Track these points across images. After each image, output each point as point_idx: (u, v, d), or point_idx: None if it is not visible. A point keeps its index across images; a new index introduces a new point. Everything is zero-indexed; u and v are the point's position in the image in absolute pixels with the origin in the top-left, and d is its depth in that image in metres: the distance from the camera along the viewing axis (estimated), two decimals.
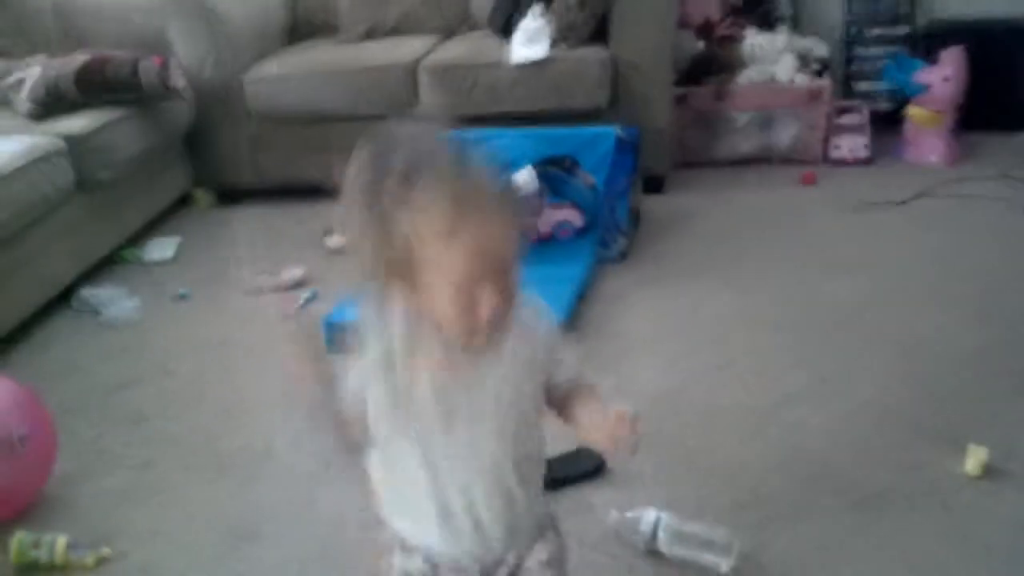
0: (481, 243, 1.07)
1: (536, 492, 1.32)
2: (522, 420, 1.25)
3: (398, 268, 1.11)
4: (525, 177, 3.13)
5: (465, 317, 1.12)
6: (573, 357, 1.31)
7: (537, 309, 1.26)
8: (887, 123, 4.23)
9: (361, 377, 1.20)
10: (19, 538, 1.99)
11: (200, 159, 4.08)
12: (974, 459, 2.08)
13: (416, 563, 1.30)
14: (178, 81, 3.62)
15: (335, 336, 2.93)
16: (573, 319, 2.85)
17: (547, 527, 1.37)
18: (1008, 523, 1.95)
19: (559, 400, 1.31)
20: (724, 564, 1.84)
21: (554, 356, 1.28)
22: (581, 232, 3.28)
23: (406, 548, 1.31)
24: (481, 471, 1.23)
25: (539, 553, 1.33)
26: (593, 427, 1.25)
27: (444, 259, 1.08)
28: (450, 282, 1.09)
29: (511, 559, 1.31)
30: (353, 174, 1.11)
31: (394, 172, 1.07)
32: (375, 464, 1.29)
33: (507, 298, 1.12)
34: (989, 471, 2.08)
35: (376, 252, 1.11)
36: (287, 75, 3.93)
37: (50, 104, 3.35)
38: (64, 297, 3.21)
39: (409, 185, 1.06)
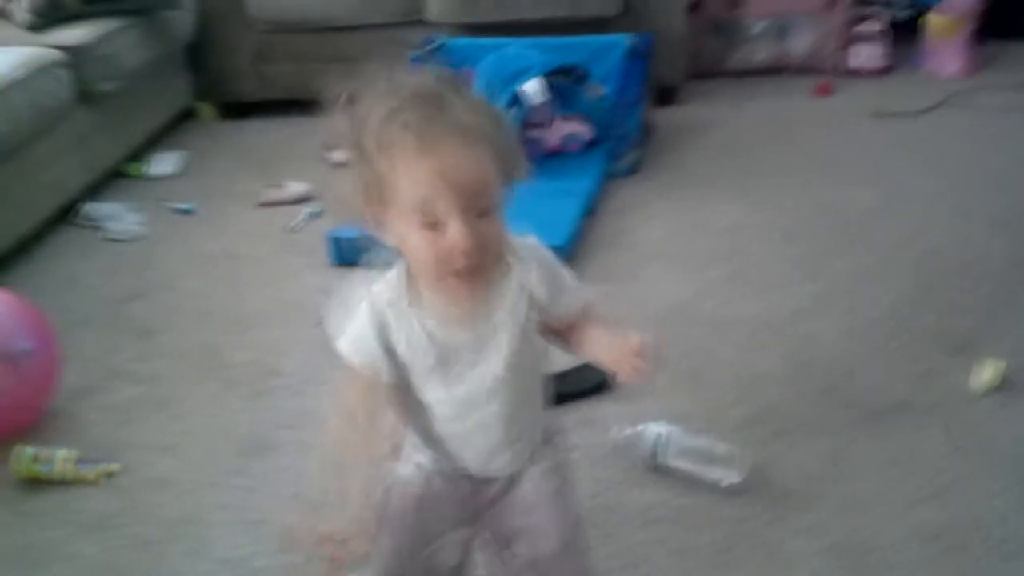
0: (447, 171, 1.06)
1: (538, 412, 1.32)
2: (527, 347, 1.24)
3: (380, 210, 1.12)
4: (534, 88, 3.06)
5: (435, 253, 1.09)
6: (579, 287, 1.28)
7: (532, 245, 1.24)
8: (905, 32, 4.10)
9: (369, 321, 1.21)
10: (25, 452, 1.99)
11: (203, 71, 4.00)
12: (989, 371, 2.06)
13: (414, 467, 1.31)
14: None
15: (341, 251, 2.92)
16: (583, 233, 2.81)
17: (553, 436, 1.35)
18: (1018, 438, 1.93)
19: (567, 331, 1.27)
20: (730, 477, 1.83)
21: (555, 289, 1.24)
22: (591, 145, 3.22)
23: (406, 453, 1.32)
24: (488, 400, 1.23)
25: (542, 461, 1.32)
26: (608, 352, 1.23)
27: (411, 188, 1.07)
28: (416, 212, 1.08)
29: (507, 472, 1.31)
30: (341, 118, 1.12)
31: (377, 110, 1.09)
32: None
33: (481, 234, 1.09)
34: (1004, 383, 2.05)
35: (362, 194, 1.12)
36: None
37: (49, 14, 3.27)
38: (67, 212, 3.18)
39: (389, 119, 1.07)
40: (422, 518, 1.31)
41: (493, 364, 1.21)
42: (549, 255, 1.25)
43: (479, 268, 1.11)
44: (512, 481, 1.31)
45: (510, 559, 1.35)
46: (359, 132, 1.10)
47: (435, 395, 1.22)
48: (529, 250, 1.23)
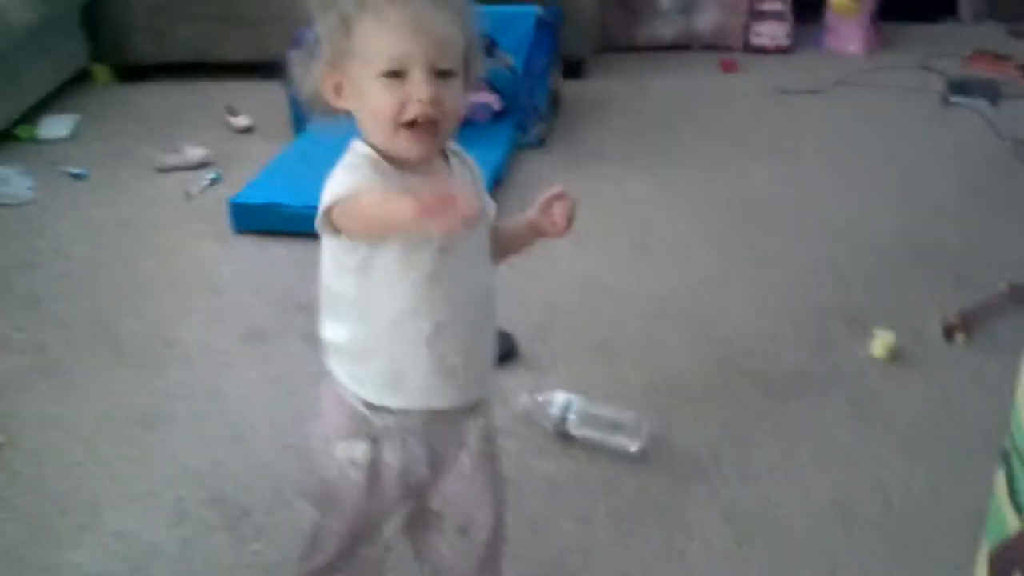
0: (418, 21, 1.08)
1: (496, 338, 1.31)
2: (486, 246, 1.25)
3: (339, 72, 1.12)
4: None
5: (395, 100, 1.08)
6: None
7: (461, 151, 1.25)
8: (808, 11, 4.18)
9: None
10: None
11: (99, 32, 3.85)
12: (881, 343, 2.11)
13: (360, 447, 1.25)
14: None
15: (244, 217, 2.87)
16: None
17: (487, 406, 1.33)
18: (912, 405, 1.99)
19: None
20: (633, 445, 1.84)
21: (484, 192, 1.28)
22: (499, 116, 3.20)
23: (350, 435, 1.25)
24: (473, 299, 1.21)
25: (476, 428, 1.30)
26: (532, 214, 1.27)
27: (381, 35, 1.09)
28: (383, 61, 1.08)
29: (456, 434, 1.28)
30: None
31: None
32: (345, 321, 1.22)
33: (440, 92, 1.09)
34: (895, 355, 2.11)
35: (327, 53, 1.12)
36: None
37: None
38: None
39: None
40: (368, 501, 1.28)
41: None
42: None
43: (433, 128, 1.10)
44: (458, 448, 1.29)
45: (443, 532, 1.34)
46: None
47: (429, 259, 1.16)
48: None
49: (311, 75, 1.15)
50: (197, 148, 3.12)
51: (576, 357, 2.15)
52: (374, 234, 1.12)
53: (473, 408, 1.29)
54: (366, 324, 1.20)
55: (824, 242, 2.60)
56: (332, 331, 1.25)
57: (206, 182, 2.96)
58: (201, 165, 3.07)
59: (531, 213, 1.27)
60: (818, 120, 3.43)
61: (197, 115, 3.44)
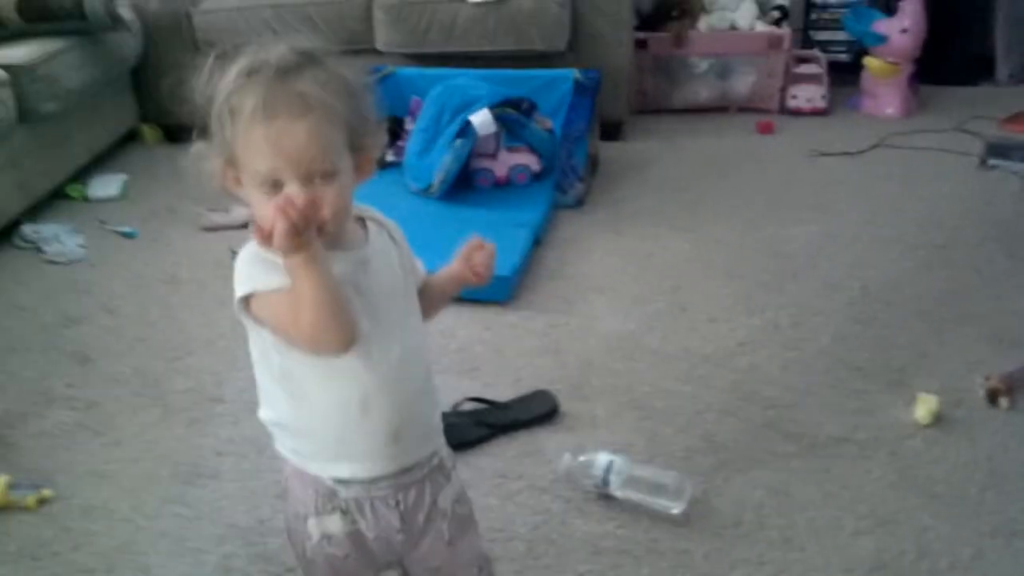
0: (280, 138, 1.08)
1: (434, 387, 1.32)
2: (414, 307, 1.28)
3: (233, 177, 1.14)
4: (482, 119, 3.08)
5: (278, 221, 1.06)
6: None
7: (380, 217, 1.27)
8: (845, 73, 4.22)
9: None
10: None
11: (147, 94, 3.96)
12: (924, 407, 2.10)
13: (335, 522, 1.26)
14: (124, 11, 3.50)
15: None
16: (529, 264, 2.82)
17: (451, 468, 1.34)
18: (955, 470, 1.97)
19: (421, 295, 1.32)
20: (676, 507, 1.84)
21: (411, 253, 1.30)
22: (538, 176, 3.24)
23: (320, 509, 1.26)
24: (402, 361, 1.22)
25: (449, 493, 1.32)
26: (455, 265, 1.32)
27: (250, 153, 1.09)
28: (257, 176, 1.10)
29: (428, 499, 1.29)
30: (203, 86, 1.13)
31: (230, 78, 1.11)
32: (277, 401, 1.23)
33: (319, 196, 1.09)
34: (938, 419, 2.10)
35: (218, 162, 1.14)
36: (238, 7, 3.81)
37: None
38: (6, 234, 3.12)
39: (238, 88, 1.10)
40: (348, 573, 1.30)
41: (390, 274, 1.23)
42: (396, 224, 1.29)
43: (319, 227, 1.09)
44: (431, 516, 1.30)
45: None
46: (214, 99, 1.12)
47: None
48: (381, 217, 1.27)
49: (211, 167, 1.15)
50: (242, 208, 3.17)
51: (617, 417, 2.16)
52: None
53: (436, 472, 1.30)
54: (296, 400, 1.22)
55: (864, 303, 2.60)
56: (268, 411, 1.27)
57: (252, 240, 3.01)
58: (245, 224, 3.12)
59: (454, 265, 1.32)
60: (855, 182, 3.44)
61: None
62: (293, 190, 1.08)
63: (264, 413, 1.27)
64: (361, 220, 1.22)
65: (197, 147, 1.16)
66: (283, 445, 1.27)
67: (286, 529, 1.33)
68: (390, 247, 1.24)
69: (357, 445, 1.22)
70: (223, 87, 1.11)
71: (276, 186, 1.09)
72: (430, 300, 1.32)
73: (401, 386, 1.22)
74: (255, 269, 1.14)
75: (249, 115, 1.08)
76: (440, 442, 1.33)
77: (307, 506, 1.26)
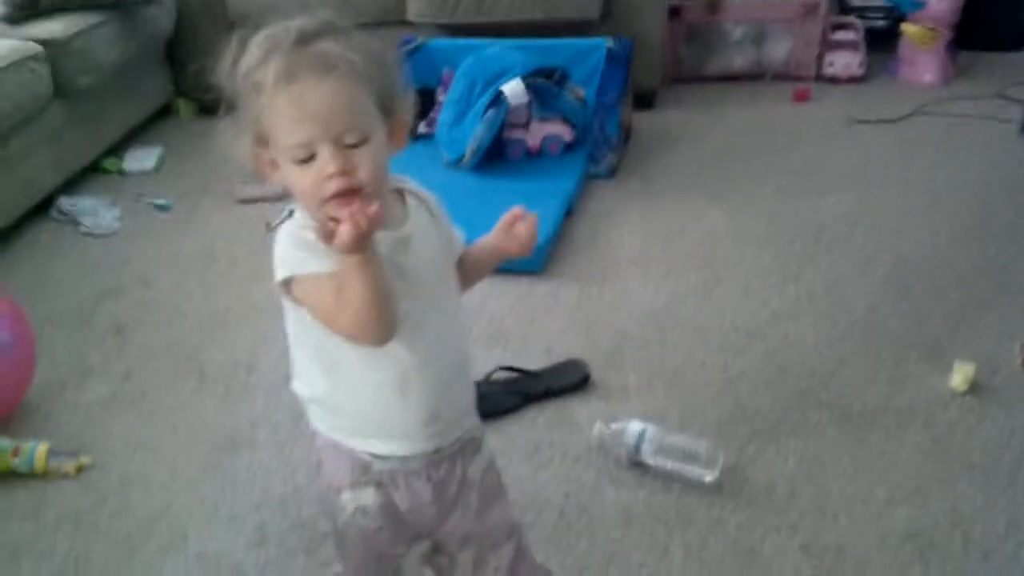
0: (306, 101, 1.06)
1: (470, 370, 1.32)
2: (453, 284, 1.26)
3: (265, 154, 1.13)
4: (514, 89, 3.06)
5: (310, 183, 1.08)
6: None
7: (419, 190, 1.25)
8: (882, 40, 4.14)
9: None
10: (2, 446, 1.97)
11: (182, 68, 3.98)
12: (960, 375, 2.08)
13: (369, 495, 1.26)
14: None
15: None
16: (561, 235, 2.82)
17: (482, 439, 1.35)
18: (991, 440, 1.95)
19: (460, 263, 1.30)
20: (708, 475, 1.84)
21: (449, 225, 1.28)
22: (570, 147, 3.23)
23: (354, 482, 1.26)
24: (441, 339, 1.22)
25: (479, 463, 1.32)
26: (494, 236, 1.29)
27: (279, 123, 1.08)
28: (288, 147, 1.08)
29: (460, 470, 1.29)
30: (226, 66, 1.13)
31: (253, 53, 1.10)
32: (314, 378, 1.23)
33: (352, 162, 1.08)
34: (975, 387, 2.08)
35: (248, 141, 1.13)
36: None
37: (27, 7, 3.24)
38: (43, 207, 3.15)
39: (261, 61, 1.09)
40: (381, 545, 1.30)
41: (430, 252, 1.21)
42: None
43: (356, 193, 1.08)
44: (462, 487, 1.30)
45: (461, 560, 1.36)
46: (237, 76, 1.11)
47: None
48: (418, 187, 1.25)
49: (242, 150, 1.15)
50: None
51: (649, 387, 2.16)
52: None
53: (468, 444, 1.29)
54: (334, 379, 1.21)
55: (900, 273, 2.57)
56: (304, 387, 1.26)
57: (286, 213, 3.02)
58: (281, 197, 3.13)
59: (494, 236, 1.29)
60: (892, 150, 3.39)
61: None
62: (325, 156, 1.07)
63: (299, 387, 1.27)
64: (399, 194, 1.21)
65: (225, 129, 1.15)
66: (318, 420, 1.27)
67: (319, 501, 1.33)
68: (429, 223, 1.22)
69: (394, 425, 1.22)
70: (245, 64, 1.10)
71: (309, 157, 1.08)
72: (467, 272, 1.30)
73: (440, 367, 1.22)
74: (297, 252, 1.13)
75: (272, 85, 1.07)
76: (474, 417, 1.33)
77: (341, 479, 1.26)
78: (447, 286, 1.25)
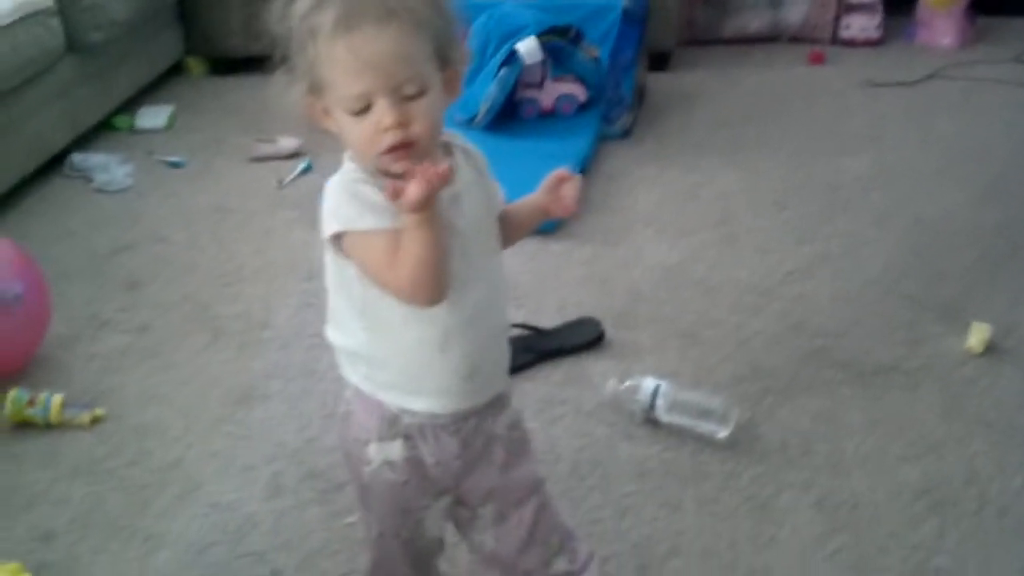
0: (365, 49, 1.04)
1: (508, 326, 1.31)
2: (497, 243, 1.24)
3: (319, 103, 1.10)
4: (529, 47, 3.04)
5: (364, 134, 1.06)
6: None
7: (467, 145, 1.23)
8: (899, 3, 4.10)
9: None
10: (14, 396, 1.98)
11: (193, 26, 3.96)
12: (976, 336, 2.07)
13: (396, 449, 1.25)
14: None
15: None
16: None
17: (509, 396, 1.33)
18: (1006, 399, 1.95)
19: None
20: (722, 432, 1.84)
21: (494, 182, 1.25)
22: (584, 107, 3.20)
23: (383, 435, 1.25)
24: (482, 299, 1.20)
25: (505, 419, 1.31)
26: (538, 196, 1.26)
27: (336, 71, 1.06)
28: (344, 95, 1.06)
29: (487, 425, 1.28)
30: (278, 14, 1.09)
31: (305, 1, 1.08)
32: (353, 331, 1.22)
33: (409, 114, 1.06)
34: (990, 348, 2.07)
35: (303, 90, 1.10)
36: None
37: None
38: (56, 163, 3.15)
39: (315, 7, 1.06)
40: (406, 499, 1.29)
41: (479, 210, 1.19)
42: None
43: (411, 147, 1.07)
44: (489, 442, 1.29)
45: (483, 515, 1.35)
46: (290, 19, 1.08)
47: None
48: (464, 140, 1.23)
49: (294, 99, 1.12)
50: (289, 138, 3.19)
51: (663, 345, 2.16)
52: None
53: (496, 401, 1.28)
54: (375, 333, 1.19)
55: (916, 234, 2.56)
56: (342, 338, 1.24)
57: (298, 171, 3.03)
58: (293, 155, 3.13)
59: (538, 197, 1.26)
60: (909, 113, 3.37)
61: (287, 107, 3.51)
62: (382, 108, 1.05)
63: (334, 336, 1.25)
64: (446, 148, 1.18)
65: (278, 79, 1.12)
66: (351, 370, 1.25)
67: (344, 453, 1.32)
68: (476, 180, 1.20)
69: (432, 382, 1.21)
70: (300, 7, 1.07)
71: (365, 107, 1.06)
72: (508, 231, 1.28)
73: (482, 326, 1.21)
74: (349, 206, 1.10)
75: (330, 30, 1.04)
76: (508, 380, 1.31)
77: (369, 431, 1.25)
78: (492, 245, 1.23)
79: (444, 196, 1.09)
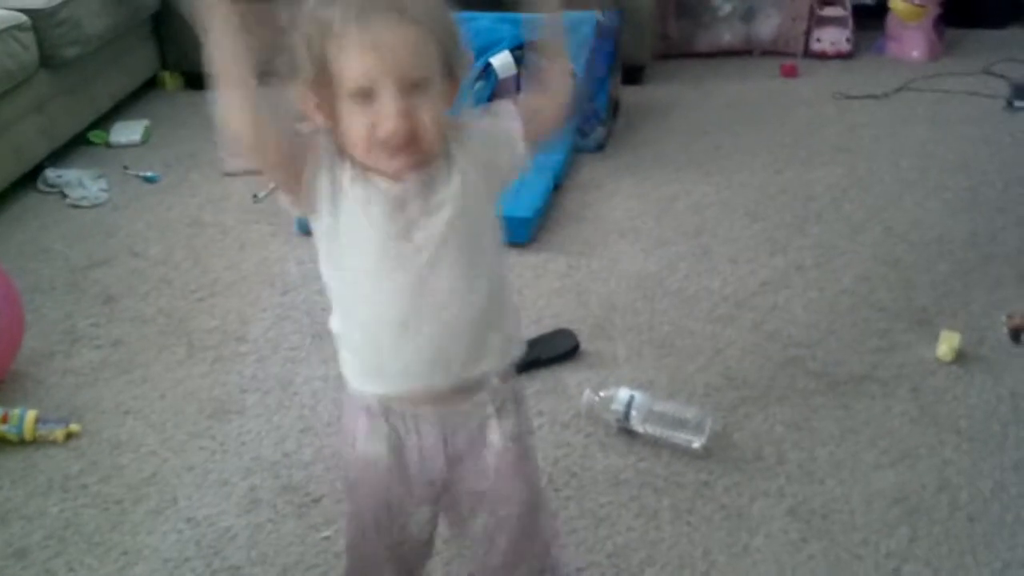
0: (379, 43, 1.07)
1: (504, 304, 1.28)
2: (486, 240, 1.23)
3: (320, 94, 1.11)
4: (503, 61, 3.06)
5: (366, 123, 1.08)
6: (510, 106, 1.28)
7: (491, 111, 1.25)
8: (870, 17, 4.15)
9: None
10: None
11: (168, 41, 3.95)
12: (946, 344, 2.10)
13: (379, 442, 1.26)
14: None
15: (305, 220, 2.92)
16: (550, 206, 2.82)
17: (511, 401, 1.31)
18: (977, 407, 1.97)
19: (531, 110, 1.27)
20: (696, 441, 1.85)
21: (504, 137, 1.23)
22: None
23: (367, 431, 1.26)
24: (455, 292, 1.19)
25: (502, 427, 1.29)
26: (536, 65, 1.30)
27: (346, 61, 1.08)
28: (352, 85, 1.08)
29: (472, 423, 1.27)
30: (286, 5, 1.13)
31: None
32: (335, 314, 1.25)
33: (414, 110, 1.08)
34: (961, 356, 2.10)
35: (306, 80, 1.12)
36: None
37: None
38: (30, 178, 3.13)
39: (329, 3, 1.09)
40: (391, 491, 1.30)
41: (445, 212, 1.18)
42: (485, 124, 1.24)
43: (409, 142, 1.09)
44: (475, 443, 1.29)
45: (472, 526, 1.35)
46: (301, 13, 1.11)
47: (393, 254, 1.17)
48: (474, 133, 1.22)
49: (290, 92, 1.14)
50: None
51: (638, 356, 2.17)
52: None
53: (489, 402, 1.27)
54: (344, 316, 1.24)
55: (888, 244, 2.59)
56: (333, 326, 1.27)
57: (272, 185, 3.02)
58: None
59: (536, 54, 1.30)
60: (880, 125, 3.41)
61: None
62: (387, 95, 1.07)
63: (332, 324, 1.28)
64: (447, 155, 1.17)
65: (280, 71, 1.14)
66: (343, 363, 1.27)
67: (337, 457, 1.34)
68: (471, 178, 1.18)
69: (395, 363, 1.22)
70: (309, 6, 1.11)
71: (368, 97, 1.08)
72: (538, 118, 1.27)
73: (456, 312, 1.20)
74: None
75: (341, 23, 1.07)
76: (493, 374, 1.27)
77: (357, 430, 1.27)
78: (480, 242, 1.22)
79: (417, 179, 1.14)
